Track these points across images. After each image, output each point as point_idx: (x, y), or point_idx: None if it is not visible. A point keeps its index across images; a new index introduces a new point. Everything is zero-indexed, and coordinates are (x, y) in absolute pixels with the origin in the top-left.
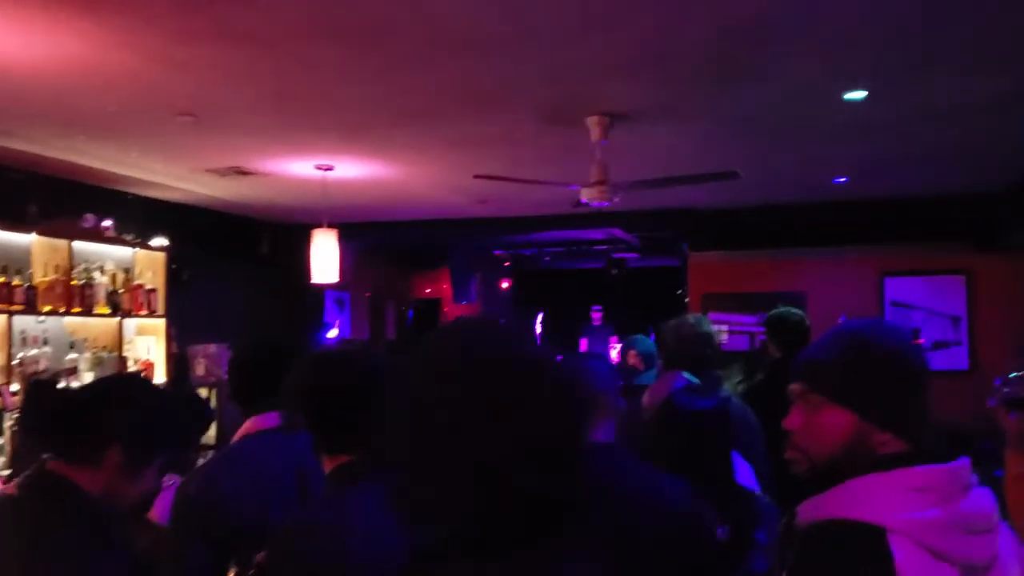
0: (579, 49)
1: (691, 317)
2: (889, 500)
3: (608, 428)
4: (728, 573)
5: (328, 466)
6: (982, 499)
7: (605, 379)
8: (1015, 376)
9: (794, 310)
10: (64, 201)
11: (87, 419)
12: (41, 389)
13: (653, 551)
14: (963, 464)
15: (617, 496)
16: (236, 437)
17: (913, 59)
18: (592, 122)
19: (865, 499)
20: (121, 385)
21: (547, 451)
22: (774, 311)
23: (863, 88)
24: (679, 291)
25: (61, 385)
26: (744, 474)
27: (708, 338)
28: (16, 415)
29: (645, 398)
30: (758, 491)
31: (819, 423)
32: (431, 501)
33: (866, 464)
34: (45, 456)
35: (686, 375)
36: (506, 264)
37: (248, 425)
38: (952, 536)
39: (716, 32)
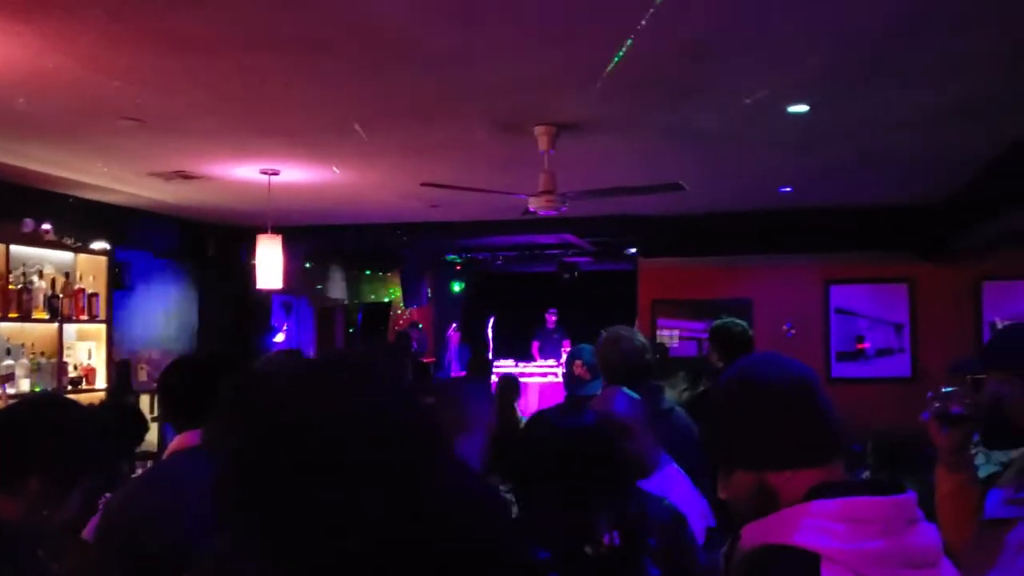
0: (527, 62)
1: (624, 329)
2: (826, 528)
3: (474, 442)
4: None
5: None
6: (926, 534)
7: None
8: (947, 391)
9: (738, 321)
10: (2, 204)
11: (3, 449)
12: None
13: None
14: (908, 497)
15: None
16: (166, 454)
17: (855, 74)
18: (540, 132)
19: (802, 526)
20: (40, 411)
21: (383, 503)
22: (718, 321)
23: (806, 102)
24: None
25: None
26: (676, 482)
27: (644, 349)
28: None
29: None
30: (671, 498)
31: (732, 486)
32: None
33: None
34: None
35: (626, 391)
36: (458, 267)
37: (176, 442)
38: (889, 568)
39: (662, 48)
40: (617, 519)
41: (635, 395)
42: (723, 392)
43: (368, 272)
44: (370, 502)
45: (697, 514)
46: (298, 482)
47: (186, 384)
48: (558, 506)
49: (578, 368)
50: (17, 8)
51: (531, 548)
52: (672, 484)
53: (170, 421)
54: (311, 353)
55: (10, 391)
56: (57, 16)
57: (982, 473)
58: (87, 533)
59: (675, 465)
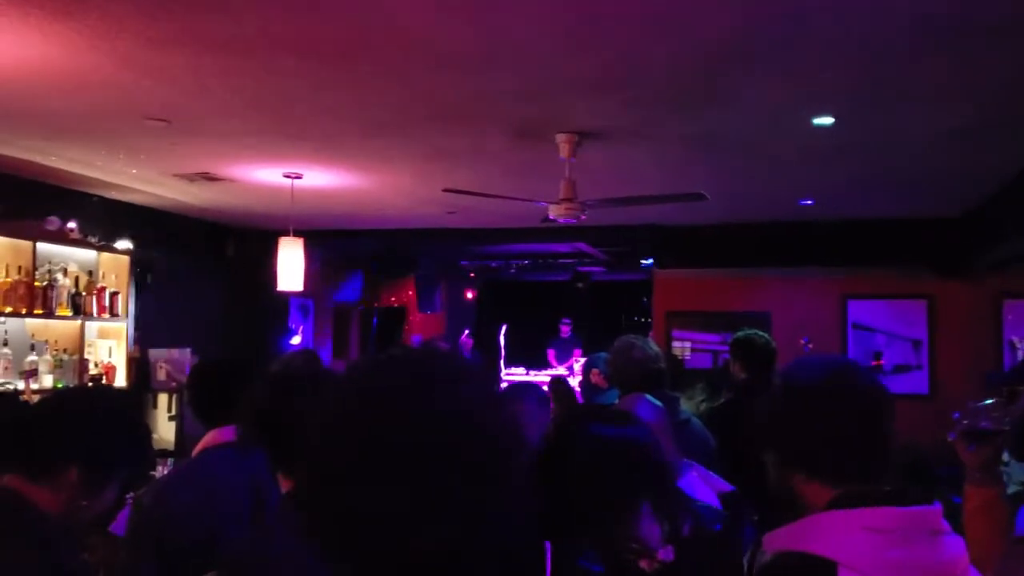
0: (551, 69)
1: (637, 338)
2: (844, 536)
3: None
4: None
5: (284, 486)
6: (951, 547)
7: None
8: (972, 407)
9: (760, 332)
10: (28, 201)
11: (44, 438)
12: None
13: None
14: (930, 509)
15: None
16: (196, 450)
17: (881, 88)
18: (561, 139)
19: (821, 533)
20: (80, 401)
21: (457, 505)
22: (741, 333)
23: (831, 114)
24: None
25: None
26: (697, 488)
27: (657, 358)
28: None
29: None
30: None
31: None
32: (336, 544)
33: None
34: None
35: (649, 398)
36: (471, 275)
37: (207, 439)
38: None
39: (686, 57)
40: (671, 533)
41: (657, 402)
42: (801, 388)
43: (384, 276)
44: (453, 503)
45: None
46: (389, 479)
47: (218, 382)
48: (610, 520)
49: (595, 376)
50: (57, 7)
51: (586, 562)
52: (694, 490)
53: (201, 418)
54: (327, 355)
55: (33, 386)
56: (96, 15)
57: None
58: (115, 528)
59: (695, 471)
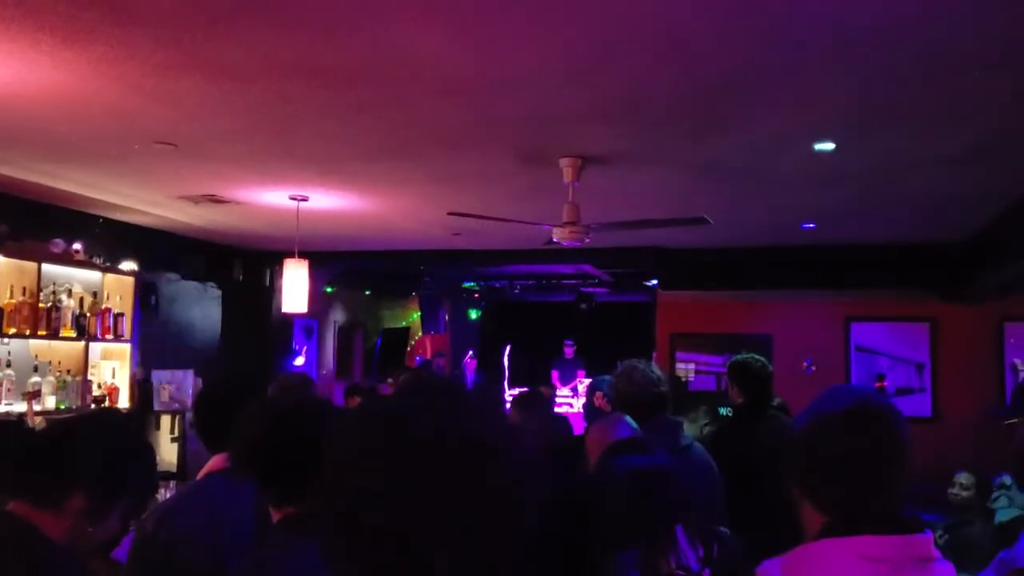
0: (555, 96)
1: (640, 362)
2: (835, 565)
3: None
4: None
5: (276, 516)
6: (940, 573)
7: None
8: None
9: (757, 356)
10: (34, 223)
11: (50, 464)
12: (4, 429)
13: None
14: (922, 537)
15: None
16: (200, 474)
17: (882, 114)
18: (565, 163)
19: (813, 563)
20: (87, 428)
21: (478, 533)
22: (738, 357)
23: (832, 140)
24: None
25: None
26: None
27: (659, 382)
28: None
29: (588, 443)
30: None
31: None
32: (357, 568)
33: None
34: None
35: (628, 419)
36: (476, 295)
37: (212, 463)
38: None
39: (688, 85)
40: (706, 555)
41: (634, 423)
42: (819, 416)
43: (388, 297)
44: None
45: None
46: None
47: (223, 406)
48: (653, 542)
49: (598, 400)
50: (67, 34)
51: None
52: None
53: (205, 442)
54: (330, 376)
55: (36, 408)
56: (104, 42)
57: (1004, 516)
58: (117, 554)
59: None
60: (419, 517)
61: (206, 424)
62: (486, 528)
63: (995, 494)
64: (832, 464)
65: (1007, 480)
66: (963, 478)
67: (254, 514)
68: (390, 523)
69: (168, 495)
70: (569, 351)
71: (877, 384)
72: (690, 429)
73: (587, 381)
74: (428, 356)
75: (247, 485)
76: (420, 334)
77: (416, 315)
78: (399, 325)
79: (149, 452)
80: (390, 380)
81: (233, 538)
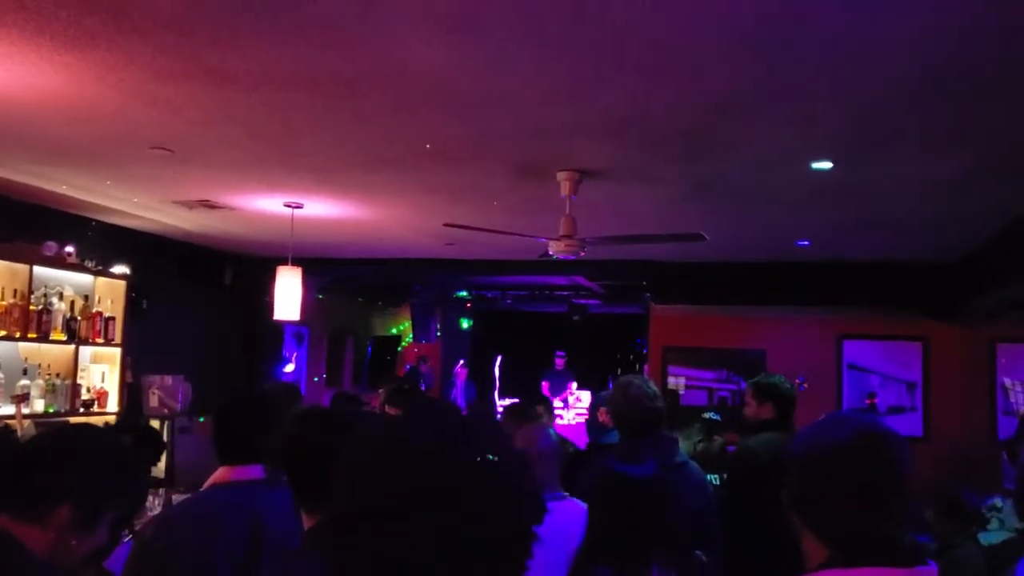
0: (555, 111)
1: (636, 377)
2: None
3: None
4: None
5: (307, 523)
6: None
7: None
8: None
9: (782, 377)
10: (26, 225)
11: (34, 477)
12: None
13: None
14: (925, 570)
15: None
16: (205, 485)
17: (879, 135)
18: (563, 177)
19: None
20: (71, 440)
21: (488, 550)
22: (766, 377)
23: (830, 159)
24: (639, 340)
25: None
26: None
27: (654, 397)
28: None
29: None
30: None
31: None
32: None
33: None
34: None
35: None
36: (467, 304)
37: (217, 475)
38: None
39: (689, 104)
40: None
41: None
42: (829, 448)
43: (379, 304)
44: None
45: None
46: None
47: (245, 419)
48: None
49: (602, 415)
50: (67, 39)
51: None
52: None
53: (219, 454)
54: (320, 383)
55: (24, 411)
56: (105, 47)
57: (995, 539)
58: (111, 564)
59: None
60: (420, 537)
61: (223, 438)
62: (488, 550)
63: (986, 515)
64: (838, 496)
65: (998, 502)
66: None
67: (248, 531)
68: (391, 542)
69: (157, 503)
70: (560, 362)
71: (867, 402)
72: (684, 446)
73: (577, 393)
74: (413, 362)
75: (246, 502)
76: (407, 342)
77: (407, 323)
78: (390, 333)
79: (135, 464)
80: (380, 390)
81: (227, 550)
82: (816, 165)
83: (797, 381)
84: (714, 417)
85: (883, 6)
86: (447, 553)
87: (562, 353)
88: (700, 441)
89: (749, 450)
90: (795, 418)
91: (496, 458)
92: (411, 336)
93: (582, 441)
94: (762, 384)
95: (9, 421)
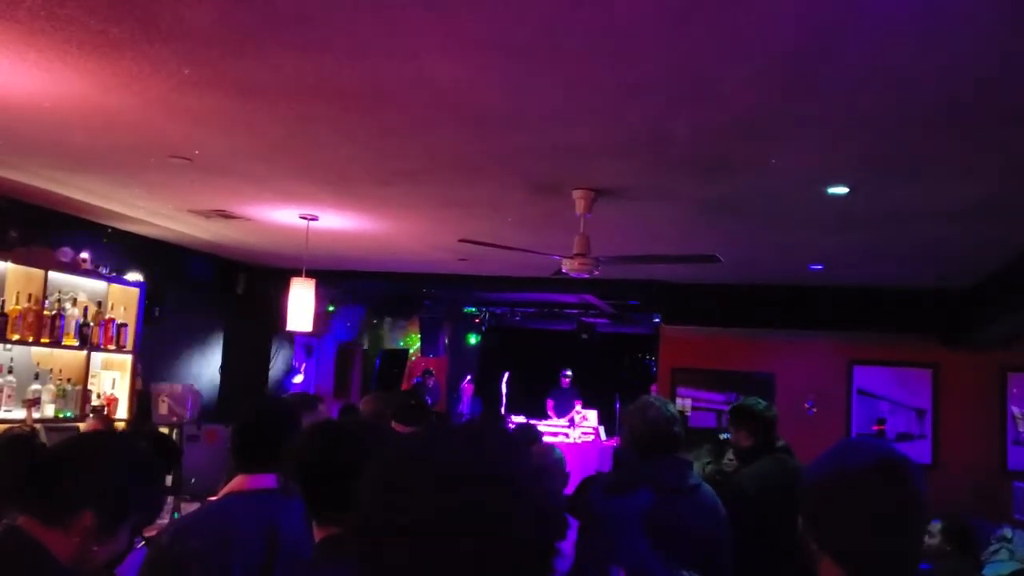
0: (575, 130)
1: (655, 399)
2: None
3: None
4: None
5: (318, 535)
6: None
7: None
8: None
9: (760, 400)
10: (42, 230)
11: (60, 482)
12: (14, 445)
13: None
14: None
15: None
16: (221, 493)
17: (897, 161)
18: (578, 195)
19: None
20: (95, 446)
21: (514, 567)
22: (743, 402)
23: (846, 184)
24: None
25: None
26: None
27: (672, 420)
28: None
29: None
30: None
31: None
32: None
33: None
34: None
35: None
36: (476, 320)
37: (234, 483)
38: None
39: (708, 127)
40: None
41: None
42: (850, 474)
43: (389, 318)
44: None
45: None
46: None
47: (267, 428)
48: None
49: None
50: (95, 47)
51: None
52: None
53: (237, 462)
54: (328, 395)
55: (35, 415)
56: (131, 57)
57: (1006, 570)
58: (124, 570)
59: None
60: (442, 555)
61: (244, 446)
62: (513, 566)
63: (994, 546)
64: (859, 521)
65: (1008, 532)
66: (931, 526)
67: (264, 540)
68: (413, 559)
69: (164, 511)
70: (565, 381)
71: (876, 428)
72: (695, 467)
73: (584, 412)
74: (419, 376)
75: (262, 510)
76: (414, 352)
77: (416, 337)
78: (399, 346)
79: (157, 471)
80: (364, 397)
81: (242, 558)
82: (832, 190)
83: (806, 405)
84: (730, 438)
85: (909, 36)
86: (473, 569)
87: (568, 372)
88: (709, 463)
89: (734, 485)
90: (797, 440)
91: (520, 475)
92: (417, 349)
93: (590, 459)
94: (733, 410)
95: (19, 426)
